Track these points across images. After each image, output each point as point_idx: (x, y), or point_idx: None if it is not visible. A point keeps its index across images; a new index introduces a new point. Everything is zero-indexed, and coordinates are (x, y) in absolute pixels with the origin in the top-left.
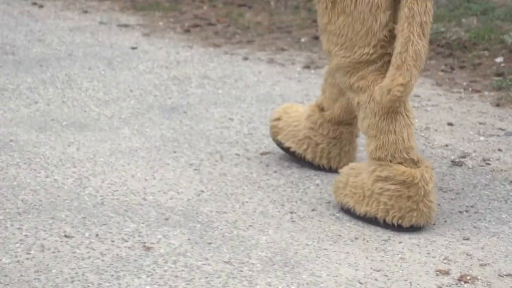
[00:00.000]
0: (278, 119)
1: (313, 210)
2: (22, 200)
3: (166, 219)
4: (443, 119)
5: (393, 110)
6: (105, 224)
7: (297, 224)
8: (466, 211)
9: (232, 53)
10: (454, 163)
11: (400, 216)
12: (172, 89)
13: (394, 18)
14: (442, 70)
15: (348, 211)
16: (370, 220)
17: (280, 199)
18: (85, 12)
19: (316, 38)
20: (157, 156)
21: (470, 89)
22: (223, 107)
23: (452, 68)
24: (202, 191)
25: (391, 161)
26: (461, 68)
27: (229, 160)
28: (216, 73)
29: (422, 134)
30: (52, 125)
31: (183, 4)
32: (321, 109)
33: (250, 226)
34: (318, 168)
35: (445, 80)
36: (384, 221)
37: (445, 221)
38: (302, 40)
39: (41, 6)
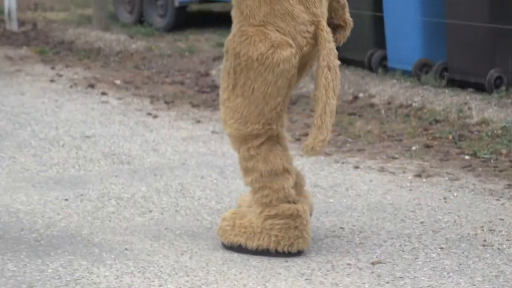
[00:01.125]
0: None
1: None
2: None
3: None
4: None
5: (276, 169)
6: None
7: None
8: None
9: (343, 161)
10: None
11: (289, 244)
12: None
13: (283, 102)
14: None
15: (239, 248)
16: (262, 252)
17: None
18: (198, 122)
19: (428, 146)
20: (269, 265)
21: None
22: (334, 216)
23: None
24: None
25: (275, 204)
26: None
27: (341, 270)
28: (327, 181)
29: None
30: (166, 234)
31: (293, 113)
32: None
33: None
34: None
35: None
36: (276, 250)
37: None
38: (413, 148)
39: (155, 117)
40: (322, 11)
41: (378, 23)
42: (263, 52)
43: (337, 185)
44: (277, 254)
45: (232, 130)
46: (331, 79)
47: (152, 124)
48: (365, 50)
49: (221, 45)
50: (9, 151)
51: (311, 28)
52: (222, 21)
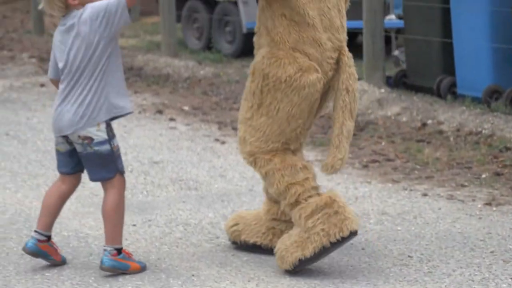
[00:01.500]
0: (236, 224)
1: None
2: None
3: None
4: None
5: (295, 165)
6: None
7: None
8: None
9: (411, 189)
10: None
11: (339, 230)
12: None
13: (304, 125)
14: None
15: (301, 263)
16: (321, 253)
17: None
18: None
19: (498, 174)
20: None
21: None
22: (402, 244)
23: None
24: None
25: (306, 201)
26: None
27: None
28: (394, 209)
29: None
30: (233, 260)
31: (361, 140)
32: (276, 202)
33: None
34: None
35: None
36: (331, 243)
37: None
38: (483, 176)
39: (223, 143)
40: (344, 37)
41: (447, 49)
42: (291, 74)
43: (405, 212)
44: (334, 245)
45: (252, 148)
46: (348, 102)
47: (219, 150)
48: (434, 76)
49: None
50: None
51: (335, 54)
52: None
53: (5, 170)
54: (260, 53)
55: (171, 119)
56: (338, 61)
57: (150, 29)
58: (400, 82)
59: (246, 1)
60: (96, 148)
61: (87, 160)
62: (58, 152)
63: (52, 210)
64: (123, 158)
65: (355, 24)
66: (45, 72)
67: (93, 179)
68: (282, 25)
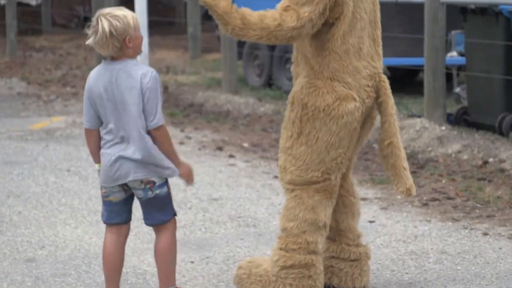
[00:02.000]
0: None
1: None
2: None
3: None
4: None
5: (319, 221)
6: None
7: None
8: None
9: (471, 228)
10: None
11: None
12: (409, 264)
13: (344, 155)
14: None
15: None
16: None
17: None
18: None
19: None
20: None
21: None
22: (461, 284)
23: None
24: None
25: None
26: None
27: None
28: (454, 248)
29: None
30: None
31: (421, 178)
32: (333, 240)
33: None
34: None
35: None
36: None
37: None
38: None
39: None
40: (380, 64)
41: (510, 86)
42: (330, 103)
43: (465, 252)
44: None
45: (293, 177)
46: (398, 126)
47: (278, 187)
48: (495, 114)
49: None
50: (137, 213)
51: (371, 82)
52: None
53: (66, 206)
54: (299, 82)
55: (231, 156)
56: (378, 89)
57: (211, 66)
58: (461, 120)
59: None
60: (157, 191)
61: (147, 204)
62: (110, 203)
63: (120, 268)
64: (182, 195)
65: (416, 61)
66: None
67: (150, 223)
68: (321, 54)
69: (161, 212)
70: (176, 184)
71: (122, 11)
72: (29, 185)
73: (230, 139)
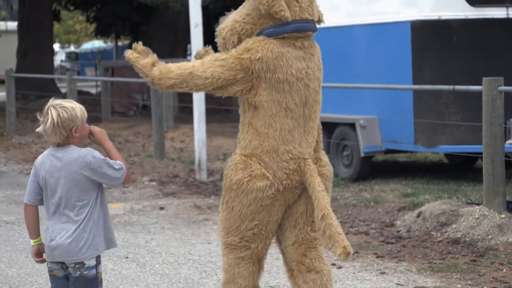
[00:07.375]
0: None
1: None
2: None
3: None
4: None
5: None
6: None
7: None
8: None
9: None
10: None
11: None
12: None
13: (264, 227)
14: None
15: None
16: None
17: None
18: (382, 273)
19: None
20: None
21: None
22: None
23: None
24: None
25: None
26: None
27: None
28: None
29: None
30: None
31: (481, 266)
32: None
33: None
34: None
35: None
36: None
37: None
38: None
39: (339, 267)
40: (309, 151)
41: None
42: (240, 178)
43: None
44: None
45: (220, 236)
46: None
47: (336, 274)
48: None
49: (406, 195)
50: None
51: (294, 166)
52: (408, 171)
53: None
54: (231, 156)
55: None
56: (304, 172)
57: None
58: None
59: (364, 125)
60: (85, 272)
61: (73, 283)
62: (54, 277)
63: None
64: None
65: (475, 148)
66: (165, 195)
67: None
68: (248, 131)
69: None
70: None
71: (71, 103)
72: None
73: None
